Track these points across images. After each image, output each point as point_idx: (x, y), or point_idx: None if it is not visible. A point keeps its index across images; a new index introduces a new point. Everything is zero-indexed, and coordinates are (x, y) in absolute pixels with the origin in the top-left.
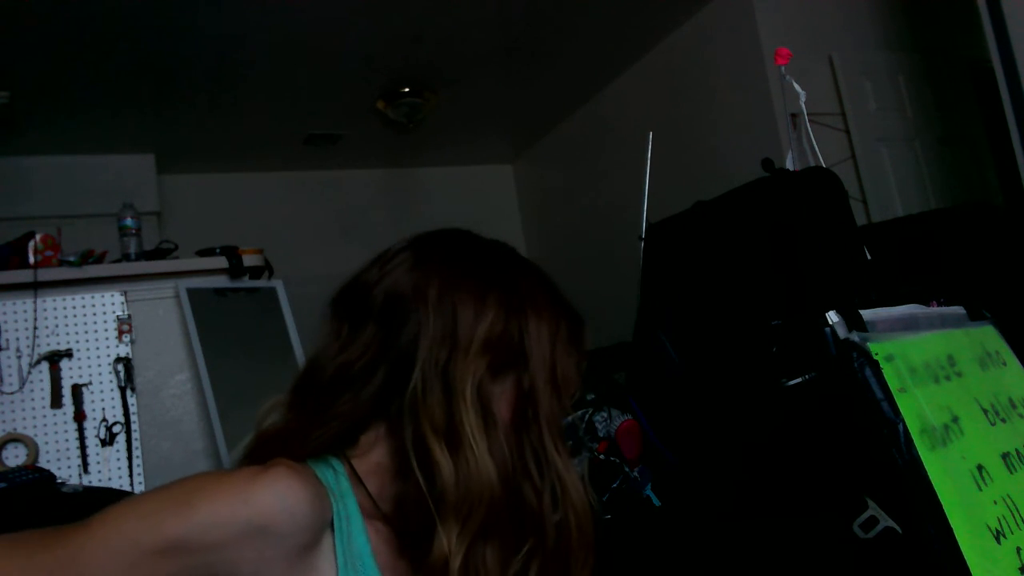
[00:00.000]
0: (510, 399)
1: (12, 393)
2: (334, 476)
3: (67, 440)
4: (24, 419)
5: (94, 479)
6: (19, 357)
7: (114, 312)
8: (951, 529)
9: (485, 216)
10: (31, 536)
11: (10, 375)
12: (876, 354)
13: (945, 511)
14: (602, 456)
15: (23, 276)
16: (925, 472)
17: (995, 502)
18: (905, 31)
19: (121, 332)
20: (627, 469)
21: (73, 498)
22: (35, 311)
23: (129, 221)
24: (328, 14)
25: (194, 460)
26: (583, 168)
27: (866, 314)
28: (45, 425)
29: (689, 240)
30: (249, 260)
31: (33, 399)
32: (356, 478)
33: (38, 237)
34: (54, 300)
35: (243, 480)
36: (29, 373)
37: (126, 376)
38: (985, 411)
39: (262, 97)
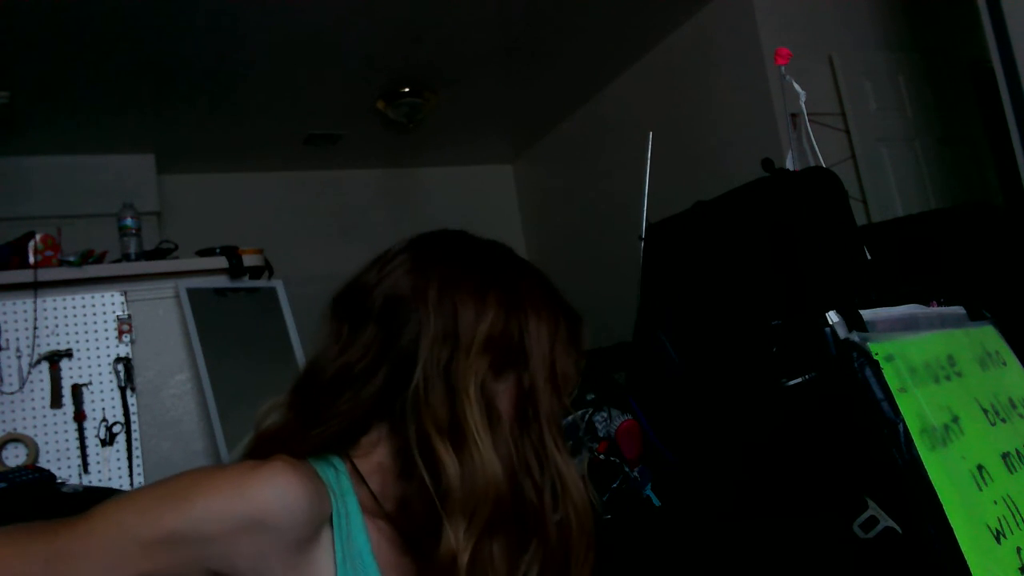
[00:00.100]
0: (511, 397)
1: (12, 393)
2: (335, 474)
3: (67, 440)
4: (24, 419)
5: (94, 479)
6: (19, 357)
7: (114, 312)
8: (951, 529)
9: (485, 216)
10: (30, 527)
11: (10, 375)
12: (876, 354)
13: (945, 511)
14: (602, 456)
15: (23, 276)
16: (925, 472)
17: (995, 502)
18: (905, 31)
19: (121, 332)
20: (627, 469)
21: (73, 498)
22: (35, 311)
23: (129, 221)
24: (328, 14)
25: (194, 460)
26: (583, 168)
27: (866, 314)
28: (45, 425)
29: (689, 240)
30: (249, 260)
31: (33, 399)
32: (358, 476)
33: (38, 237)
34: (54, 300)
35: (240, 474)
36: (29, 373)
37: (126, 376)
38: (985, 411)
39: (262, 97)
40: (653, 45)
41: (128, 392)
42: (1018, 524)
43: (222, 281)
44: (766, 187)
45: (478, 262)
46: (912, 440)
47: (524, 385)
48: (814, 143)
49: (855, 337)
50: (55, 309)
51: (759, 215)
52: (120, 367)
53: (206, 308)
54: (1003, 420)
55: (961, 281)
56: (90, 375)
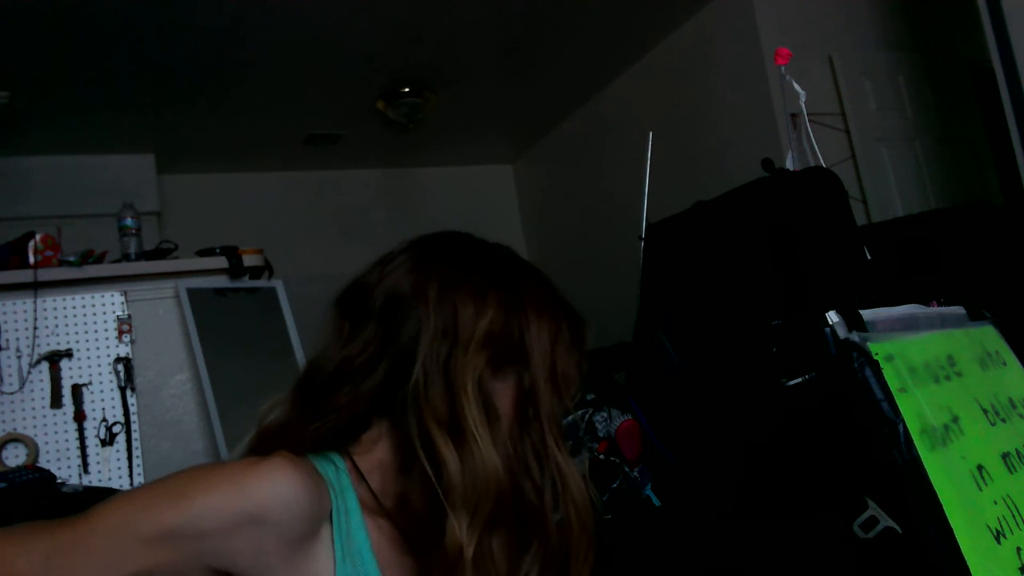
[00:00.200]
0: (511, 397)
1: (12, 393)
2: (335, 472)
3: (67, 440)
4: (24, 419)
5: (94, 479)
6: (19, 357)
7: (114, 312)
8: (951, 529)
9: (485, 216)
10: (30, 525)
11: (10, 375)
12: (876, 354)
13: (945, 511)
14: (602, 456)
15: (23, 276)
16: (925, 472)
17: (995, 502)
18: (905, 31)
19: (121, 332)
20: (627, 469)
21: (73, 498)
22: (35, 311)
23: (129, 221)
24: (328, 14)
25: (194, 460)
26: (583, 168)
27: (866, 314)
28: (45, 425)
29: (689, 240)
30: (249, 260)
31: (33, 399)
32: (358, 474)
33: (38, 237)
34: (54, 300)
35: (239, 470)
36: (29, 373)
37: (126, 376)
38: (985, 411)
39: (262, 97)
40: (653, 45)
41: (128, 392)
42: (1018, 524)
43: (222, 281)
44: (766, 187)
45: (480, 263)
46: (912, 440)
47: (525, 385)
48: (814, 143)
49: (855, 337)
50: (55, 309)
51: (759, 215)
52: (120, 367)
53: (206, 308)
54: (1003, 420)
55: (961, 281)
56: (90, 375)
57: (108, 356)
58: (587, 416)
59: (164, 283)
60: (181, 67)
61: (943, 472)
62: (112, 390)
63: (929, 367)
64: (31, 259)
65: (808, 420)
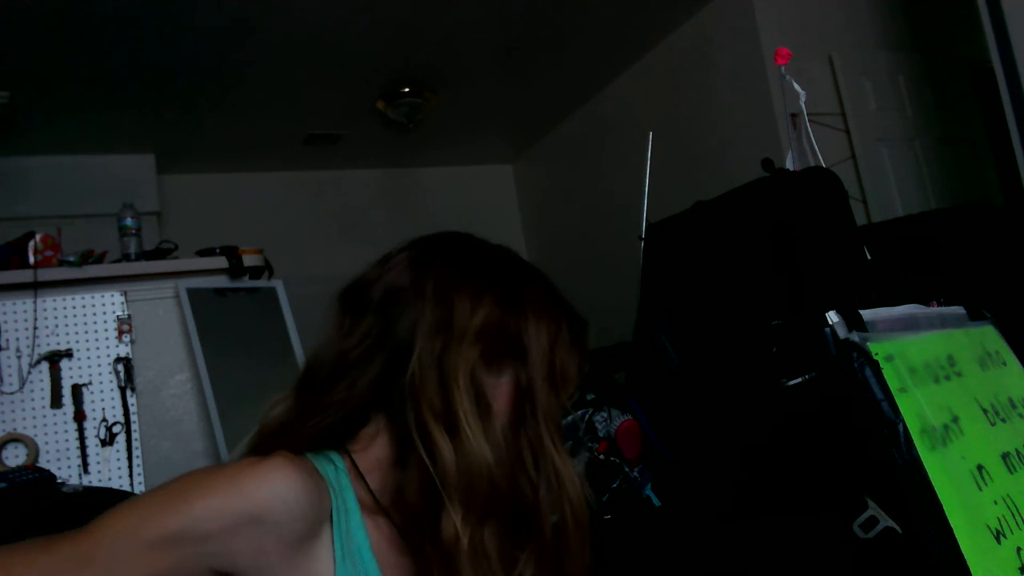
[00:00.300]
0: (508, 393)
1: (12, 393)
2: (334, 471)
3: (67, 440)
4: (24, 419)
5: (94, 479)
6: (19, 357)
7: (114, 312)
8: (951, 529)
9: (485, 216)
10: (32, 541)
11: (10, 375)
12: (876, 354)
13: (945, 511)
14: (602, 456)
15: (23, 276)
16: (925, 472)
17: (995, 502)
18: (905, 31)
19: (121, 332)
20: (627, 469)
21: (73, 498)
22: (35, 311)
23: (129, 221)
24: (328, 14)
25: (194, 460)
26: (583, 168)
27: (866, 314)
28: (45, 425)
29: (689, 240)
30: (249, 260)
31: (33, 399)
32: (356, 473)
33: (38, 237)
34: (54, 300)
35: (237, 471)
36: (29, 373)
37: (126, 376)
38: (985, 411)
39: (262, 97)
40: (653, 45)
41: (128, 392)
42: (1018, 524)
43: (222, 281)
44: (766, 187)
45: (480, 262)
46: (912, 440)
47: (522, 382)
48: (814, 143)
49: (855, 337)
50: (55, 309)
51: (759, 215)
52: (120, 367)
53: (206, 308)
54: (1003, 420)
55: (961, 281)
56: (90, 375)
57: (108, 356)
58: (587, 416)
59: (164, 283)
60: (181, 67)
61: (943, 472)
62: (112, 390)
63: (929, 367)
64: (31, 259)
65: (808, 420)
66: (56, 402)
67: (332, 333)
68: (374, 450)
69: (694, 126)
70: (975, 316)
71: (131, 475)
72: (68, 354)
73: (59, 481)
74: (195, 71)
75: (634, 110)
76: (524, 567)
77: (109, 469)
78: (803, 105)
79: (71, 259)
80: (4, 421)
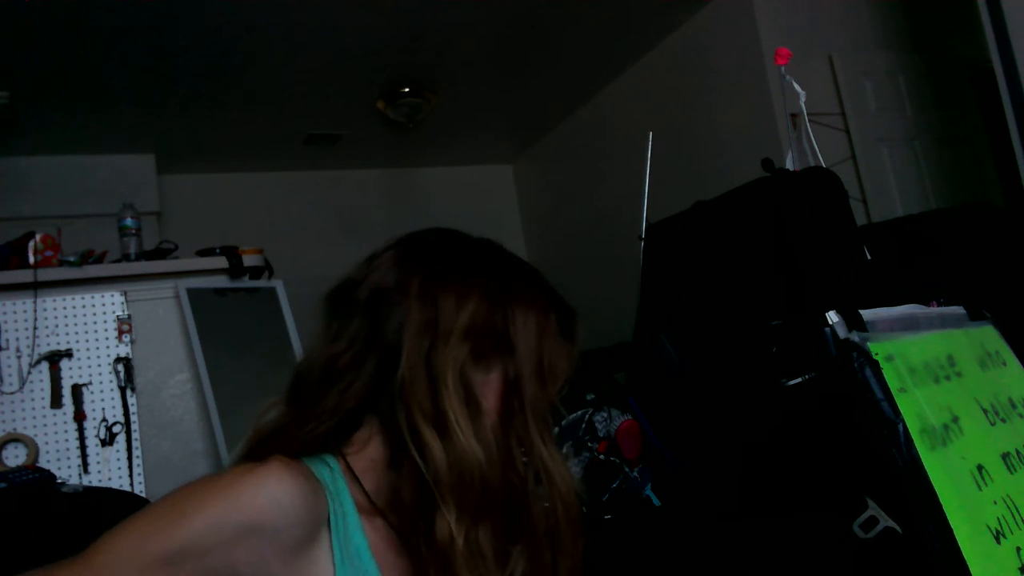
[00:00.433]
0: (497, 388)
1: (12, 393)
2: (330, 474)
3: (67, 440)
4: (24, 419)
5: (94, 479)
6: (19, 357)
7: (114, 312)
8: (951, 529)
9: (485, 216)
10: (31, 573)
11: (10, 375)
12: (876, 354)
13: (945, 511)
14: (602, 456)
15: (23, 276)
16: (925, 472)
17: (995, 502)
18: (905, 31)
19: (121, 332)
20: (627, 469)
21: (73, 498)
22: (35, 311)
23: (129, 221)
24: (328, 14)
25: (194, 460)
26: (583, 168)
27: (866, 314)
28: (45, 425)
29: (689, 240)
30: (249, 260)
31: (33, 399)
32: (352, 475)
33: (38, 237)
34: (54, 300)
35: (232, 481)
36: (29, 373)
37: (126, 376)
38: (985, 411)
39: (262, 97)
40: (653, 45)
41: (128, 392)
42: (1018, 524)
43: (222, 281)
44: (766, 187)
45: (464, 258)
46: (912, 440)
47: (510, 376)
48: (814, 143)
49: (855, 337)
50: (55, 309)
51: (759, 215)
52: (120, 367)
53: (206, 308)
54: (1003, 420)
55: (961, 281)
56: (90, 375)
57: (108, 356)
58: (587, 416)
59: (164, 283)
60: (181, 67)
61: (943, 472)
62: (112, 390)
63: (929, 367)
64: (31, 259)
65: (808, 420)
66: (56, 402)
67: (320, 337)
68: (368, 452)
69: (694, 126)
70: (975, 316)
71: (131, 475)
72: (68, 354)
73: (59, 481)
74: (195, 71)
75: (634, 110)
76: (516, 562)
77: (109, 469)
78: (803, 105)
79: (71, 259)
80: (4, 421)
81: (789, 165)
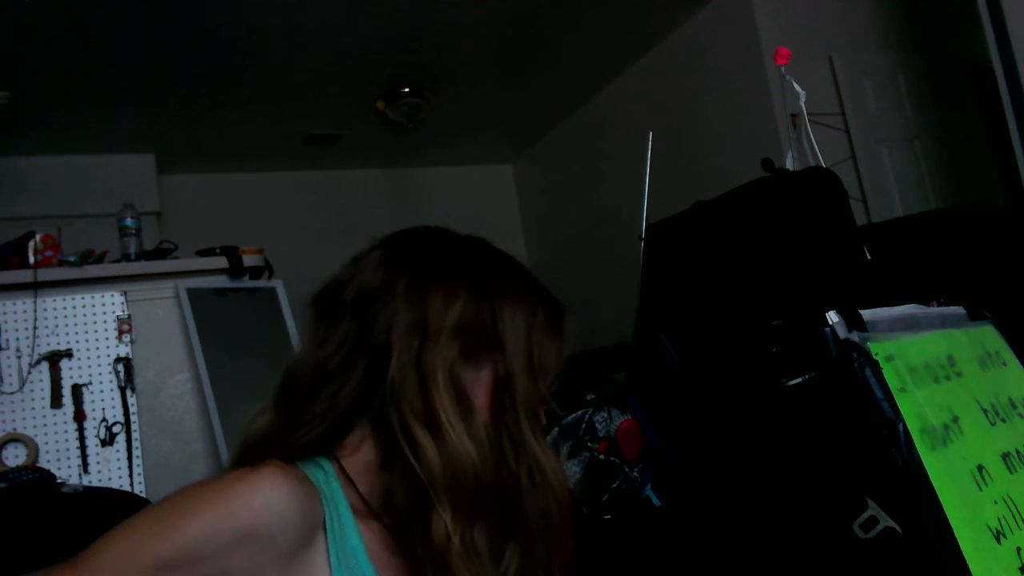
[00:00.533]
0: (487, 385)
1: (12, 393)
2: (324, 476)
3: (67, 440)
4: (24, 419)
5: (94, 479)
6: (19, 357)
7: (114, 312)
8: (951, 529)
9: (485, 216)
10: None
11: (10, 375)
12: (876, 354)
13: (945, 511)
14: (602, 456)
15: (23, 276)
16: (925, 472)
17: (995, 502)
18: (905, 31)
19: (121, 332)
20: (627, 469)
21: (73, 498)
22: (35, 311)
23: (129, 221)
24: (328, 14)
25: (194, 460)
26: (583, 168)
27: (866, 314)
28: (45, 425)
29: (689, 240)
30: (249, 260)
31: (33, 399)
32: (346, 478)
33: (38, 237)
34: (54, 300)
35: (226, 488)
36: (29, 373)
37: (126, 376)
38: (985, 411)
39: (262, 97)
40: (653, 45)
41: (128, 392)
42: (1018, 524)
43: (222, 281)
44: (766, 187)
45: (450, 255)
46: (912, 440)
47: (500, 373)
48: (814, 143)
49: (855, 337)
50: (55, 309)
51: (759, 215)
52: (120, 367)
53: (206, 308)
54: (1003, 420)
55: (961, 281)
56: (90, 375)
57: (108, 356)
58: (587, 416)
59: (164, 283)
60: (181, 67)
61: (943, 472)
62: (112, 390)
63: (929, 367)
64: (31, 259)
65: (808, 420)
66: (56, 402)
67: (308, 340)
68: (361, 455)
69: (694, 126)
70: (975, 316)
71: (131, 475)
72: (68, 354)
73: (59, 481)
74: (195, 71)
75: (634, 110)
76: (511, 559)
77: (109, 469)
78: (803, 105)
79: (71, 259)
80: (4, 421)
81: (789, 165)
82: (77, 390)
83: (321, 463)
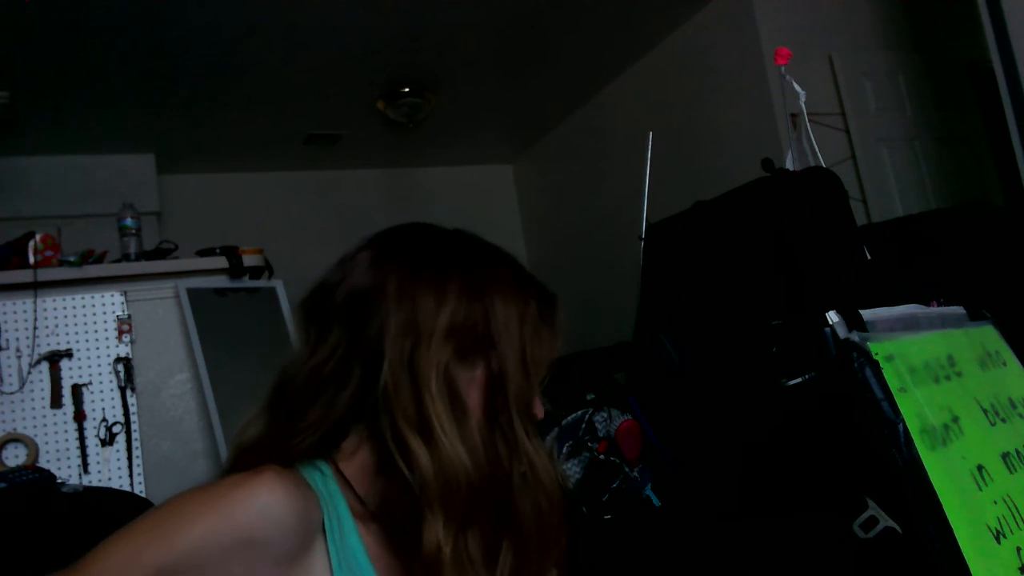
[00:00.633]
0: (481, 384)
1: (12, 393)
2: (322, 479)
3: (67, 440)
4: (24, 419)
5: (94, 479)
6: (19, 357)
7: (114, 312)
8: (951, 529)
9: (485, 216)
10: None
11: (10, 375)
12: (876, 354)
13: (945, 511)
14: (602, 456)
15: (23, 276)
16: (925, 472)
17: (995, 502)
18: (905, 31)
19: (121, 332)
20: (627, 469)
21: (73, 498)
22: (35, 311)
23: (129, 221)
24: (328, 14)
25: (194, 460)
26: (583, 168)
27: (866, 314)
28: (45, 425)
29: (689, 240)
30: (249, 260)
31: (33, 399)
32: (344, 480)
33: (38, 237)
34: (54, 300)
35: (223, 494)
36: (29, 373)
37: (126, 376)
38: (985, 411)
39: (262, 97)
40: (653, 45)
41: (128, 392)
42: (1018, 524)
43: (222, 281)
44: (766, 187)
45: (438, 253)
46: (912, 440)
47: (494, 370)
48: (814, 143)
49: (855, 337)
50: (55, 309)
51: (759, 215)
52: (120, 367)
53: (206, 308)
54: (1003, 420)
55: (961, 281)
56: (90, 375)
57: (108, 356)
58: (587, 416)
59: (164, 283)
60: (181, 67)
61: (943, 472)
62: (112, 390)
63: (929, 367)
64: (31, 259)
65: (808, 420)
66: (56, 402)
67: (300, 345)
68: (358, 459)
69: (694, 126)
70: (975, 316)
71: (131, 475)
72: (68, 354)
73: (59, 481)
74: (195, 71)
75: (634, 110)
76: (504, 558)
77: (109, 469)
78: (803, 105)
79: (71, 259)
80: (4, 421)
81: (789, 165)
82: (77, 390)
83: (319, 466)
